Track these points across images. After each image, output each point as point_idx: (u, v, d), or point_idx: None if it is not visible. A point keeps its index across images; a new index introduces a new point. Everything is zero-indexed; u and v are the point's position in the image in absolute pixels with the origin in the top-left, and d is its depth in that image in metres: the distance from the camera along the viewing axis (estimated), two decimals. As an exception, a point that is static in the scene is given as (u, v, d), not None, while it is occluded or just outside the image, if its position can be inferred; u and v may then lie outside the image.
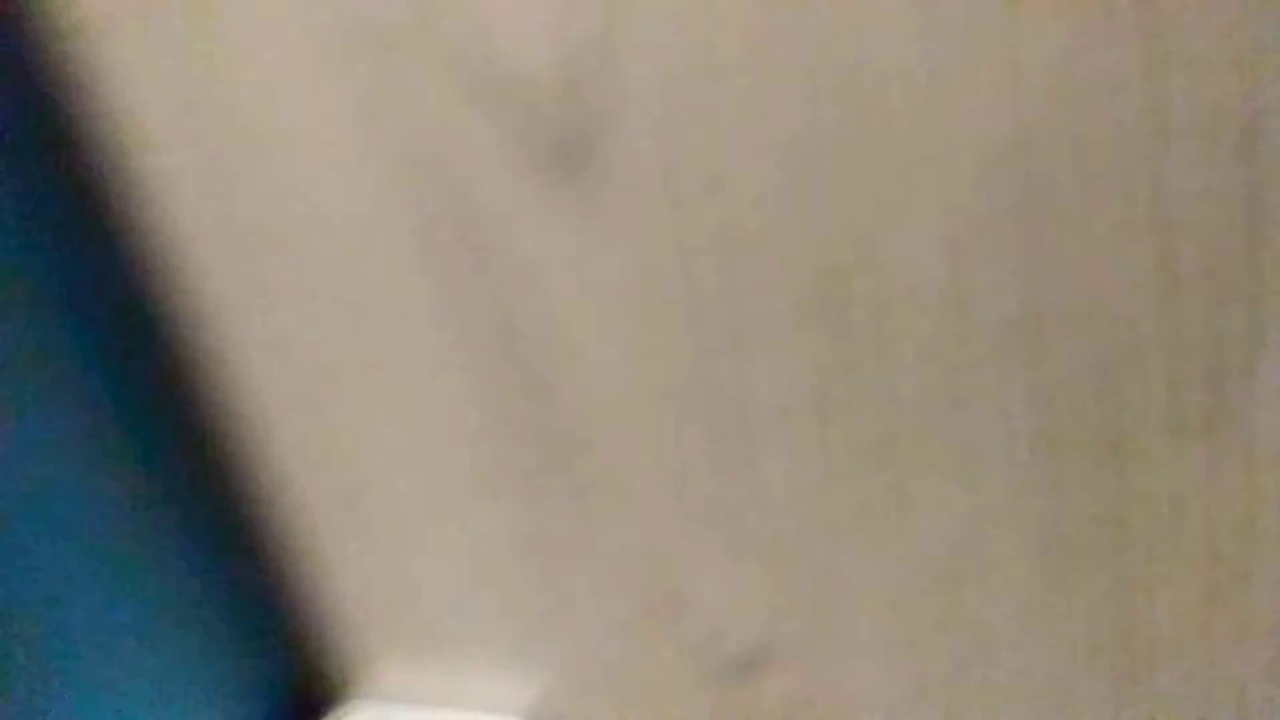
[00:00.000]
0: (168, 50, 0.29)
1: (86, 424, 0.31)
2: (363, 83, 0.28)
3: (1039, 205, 0.25)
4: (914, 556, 0.29)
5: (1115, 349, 0.26)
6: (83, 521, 0.31)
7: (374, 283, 0.31)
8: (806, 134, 0.25)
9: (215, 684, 0.36)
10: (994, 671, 0.30)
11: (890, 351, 0.27)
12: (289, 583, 0.39)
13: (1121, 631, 0.29)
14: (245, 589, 0.38)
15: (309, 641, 0.40)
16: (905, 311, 0.26)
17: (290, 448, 0.35)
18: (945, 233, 0.25)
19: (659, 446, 0.31)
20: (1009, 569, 0.29)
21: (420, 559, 0.36)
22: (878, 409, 0.28)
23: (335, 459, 0.35)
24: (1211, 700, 0.29)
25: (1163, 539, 0.27)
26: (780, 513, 0.30)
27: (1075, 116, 0.24)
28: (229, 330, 0.33)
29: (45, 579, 0.30)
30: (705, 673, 0.34)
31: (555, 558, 0.34)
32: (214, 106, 0.29)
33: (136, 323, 0.33)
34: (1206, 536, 0.27)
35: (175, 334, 0.34)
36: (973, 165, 0.25)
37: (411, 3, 0.27)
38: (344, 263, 0.31)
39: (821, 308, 0.27)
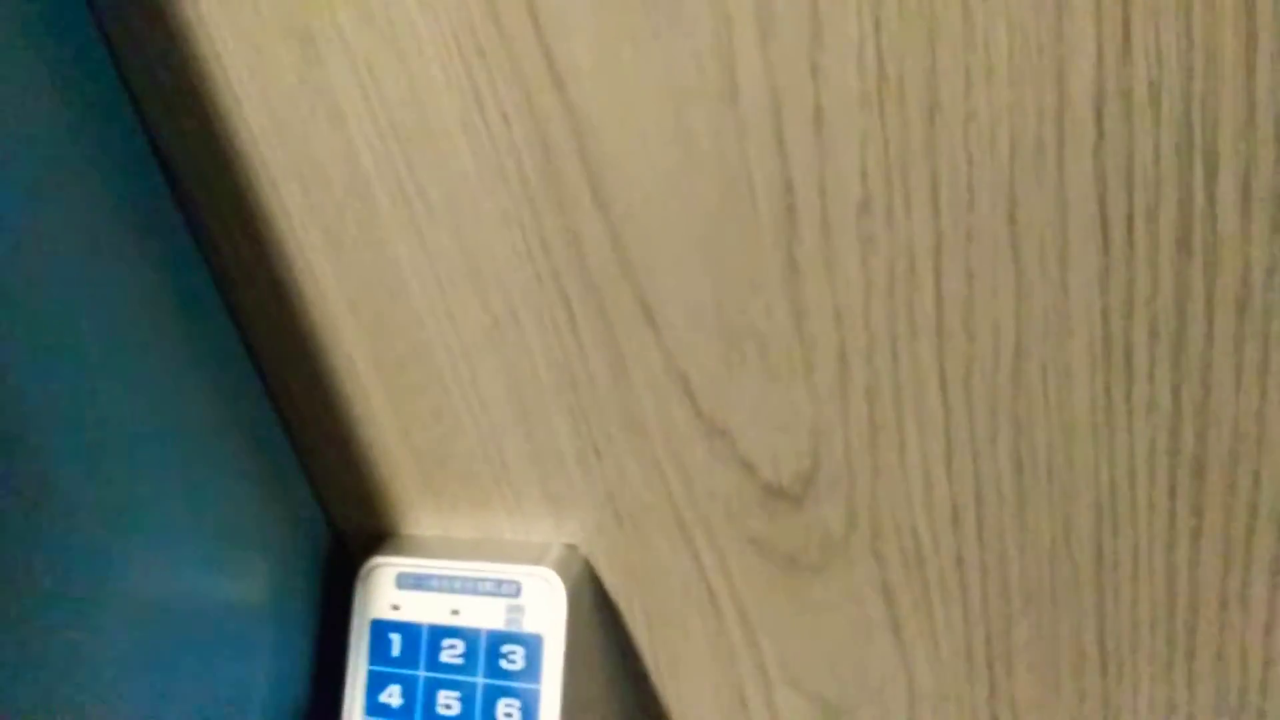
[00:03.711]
0: None
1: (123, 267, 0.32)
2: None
3: None
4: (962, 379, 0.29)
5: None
6: (132, 378, 0.32)
7: (418, 106, 0.30)
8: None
9: (254, 538, 0.37)
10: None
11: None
12: (322, 436, 0.38)
13: (1181, 438, 0.29)
14: (280, 444, 0.38)
15: (345, 495, 0.40)
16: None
17: (327, 295, 0.35)
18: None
19: (695, 273, 0.30)
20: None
21: (454, 402, 0.35)
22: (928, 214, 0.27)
23: (368, 303, 0.34)
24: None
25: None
26: (821, 334, 0.30)
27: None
28: (268, 160, 0.32)
29: (101, 436, 0.30)
30: (747, 502, 0.34)
31: (589, 394, 0.33)
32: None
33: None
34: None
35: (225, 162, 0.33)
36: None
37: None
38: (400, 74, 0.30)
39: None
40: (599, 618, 0.38)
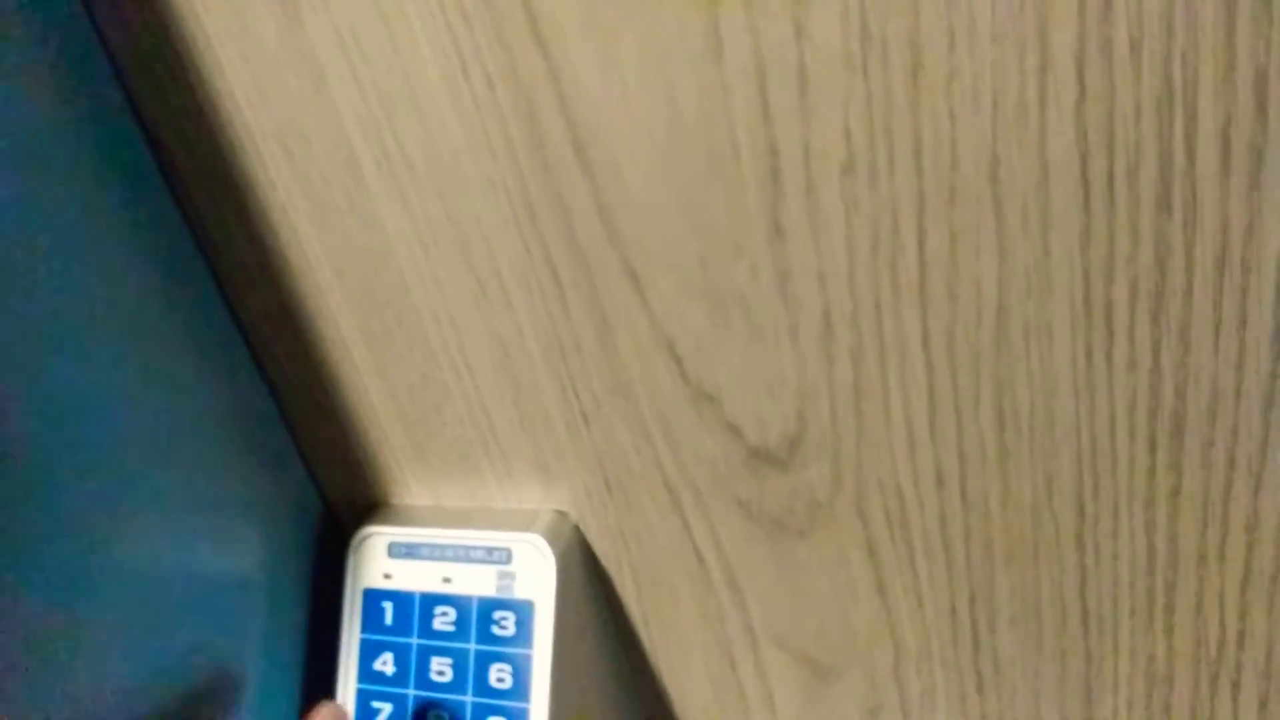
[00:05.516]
0: None
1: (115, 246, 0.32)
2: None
3: None
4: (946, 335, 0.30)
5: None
6: (121, 355, 0.32)
7: (402, 70, 0.30)
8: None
9: (246, 510, 0.37)
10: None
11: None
12: (312, 406, 0.38)
13: (1160, 395, 0.29)
14: (270, 415, 0.39)
15: (335, 465, 0.40)
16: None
17: (313, 263, 0.35)
18: None
19: (680, 237, 0.30)
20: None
21: (442, 370, 0.35)
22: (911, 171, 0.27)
23: (355, 270, 0.34)
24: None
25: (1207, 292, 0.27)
26: (806, 297, 0.30)
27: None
28: (251, 125, 0.32)
29: (93, 415, 0.31)
30: (734, 465, 0.34)
31: (576, 360, 0.33)
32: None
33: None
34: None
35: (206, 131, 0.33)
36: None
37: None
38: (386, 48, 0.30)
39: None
40: (589, 582, 0.38)
